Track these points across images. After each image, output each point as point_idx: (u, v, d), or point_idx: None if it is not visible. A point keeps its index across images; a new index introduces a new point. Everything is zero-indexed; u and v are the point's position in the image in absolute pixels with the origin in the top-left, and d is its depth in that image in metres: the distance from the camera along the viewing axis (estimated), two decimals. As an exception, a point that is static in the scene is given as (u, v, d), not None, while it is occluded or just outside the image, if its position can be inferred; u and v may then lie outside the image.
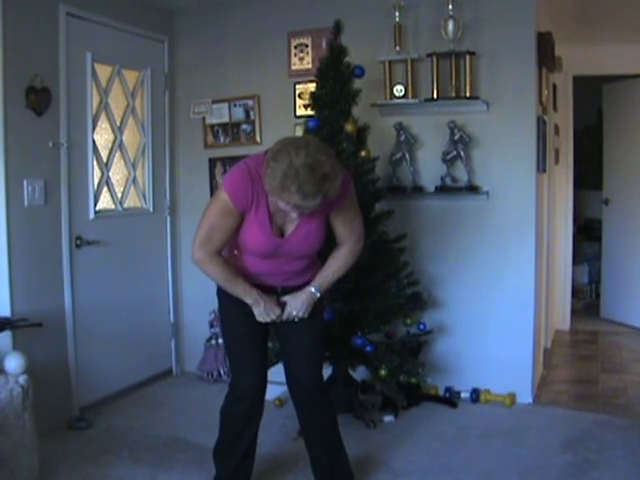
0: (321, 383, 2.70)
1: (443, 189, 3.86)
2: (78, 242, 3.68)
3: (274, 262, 2.47)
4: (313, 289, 2.51)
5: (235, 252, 2.52)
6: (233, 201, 2.31)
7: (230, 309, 2.58)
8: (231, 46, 4.31)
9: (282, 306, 2.52)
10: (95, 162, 3.83)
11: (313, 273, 2.57)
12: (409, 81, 3.82)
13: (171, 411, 3.84)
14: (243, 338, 2.59)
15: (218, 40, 4.34)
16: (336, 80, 3.40)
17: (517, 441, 3.35)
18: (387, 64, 3.86)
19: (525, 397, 3.89)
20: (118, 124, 4.02)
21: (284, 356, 2.72)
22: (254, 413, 2.63)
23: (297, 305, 2.51)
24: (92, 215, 3.80)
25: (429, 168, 3.93)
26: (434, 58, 3.74)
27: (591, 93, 5.97)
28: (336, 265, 2.53)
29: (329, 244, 2.55)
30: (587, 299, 6.69)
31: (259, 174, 2.24)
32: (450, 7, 3.66)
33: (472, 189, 3.81)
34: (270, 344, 2.79)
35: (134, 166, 4.16)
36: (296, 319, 2.52)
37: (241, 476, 2.68)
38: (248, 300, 2.46)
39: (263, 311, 2.48)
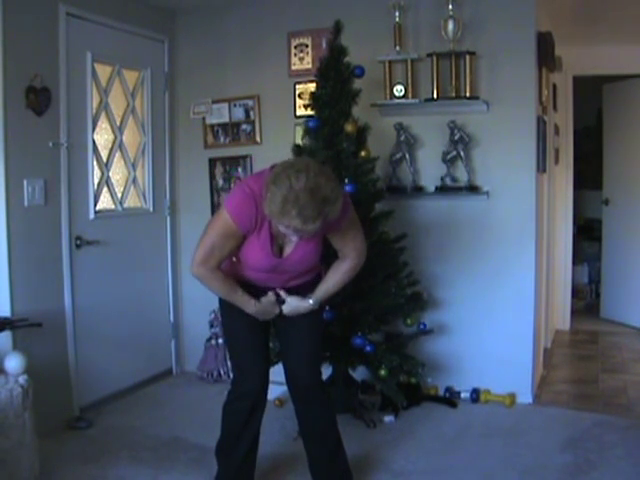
0: (319, 380, 2.71)
1: (443, 189, 3.86)
2: (78, 242, 3.68)
3: (273, 275, 2.51)
4: (312, 302, 2.56)
5: (234, 259, 2.53)
6: (237, 225, 2.31)
7: (231, 307, 2.58)
8: (231, 46, 4.31)
9: (281, 303, 2.56)
10: (95, 162, 3.83)
11: (313, 274, 2.60)
12: (409, 81, 3.82)
13: (171, 411, 3.84)
14: (245, 336, 2.62)
15: (218, 40, 4.34)
16: (336, 80, 3.40)
17: (517, 441, 3.35)
18: (387, 64, 3.86)
19: (525, 397, 3.89)
20: (118, 124, 4.02)
21: (283, 354, 2.73)
22: (256, 410, 2.64)
23: (293, 311, 2.57)
24: (92, 215, 3.80)
25: (429, 168, 3.93)
26: (434, 58, 3.74)
27: (591, 93, 5.96)
28: (336, 279, 2.56)
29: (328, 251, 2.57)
30: (587, 299, 6.69)
31: (262, 196, 2.19)
32: (450, 7, 3.66)
33: (472, 189, 3.81)
34: (270, 344, 2.80)
35: (134, 166, 4.16)
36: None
37: (244, 474, 2.68)
38: (248, 310, 2.52)
39: (262, 315, 2.55)
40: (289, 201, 2.06)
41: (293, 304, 2.55)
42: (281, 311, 2.56)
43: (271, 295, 2.53)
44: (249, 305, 2.51)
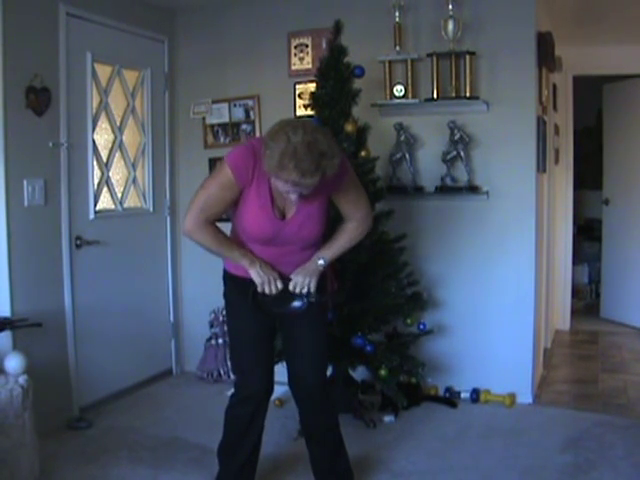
0: (324, 383, 2.69)
1: (443, 189, 3.86)
2: (78, 242, 3.68)
3: (277, 252, 2.45)
4: (318, 259, 2.49)
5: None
6: (234, 174, 2.31)
7: (237, 306, 2.58)
8: (231, 46, 4.31)
9: (287, 282, 2.47)
10: (95, 162, 3.83)
11: None
12: (409, 81, 3.82)
13: (171, 411, 3.84)
14: (250, 340, 2.58)
15: (218, 40, 4.34)
16: (336, 80, 3.40)
17: (517, 441, 3.35)
18: (387, 64, 3.86)
19: (525, 397, 3.89)
20: (118, 124, 4.02)
21: (287, 355, 2.70)
22: (258, 414, 2.63)
23: (303, 274, 2.47)
24: (92, 215, 3.80)
25: (429, 168, 3.93)
26: (434, 58, 3.74)
27: (591, 93, 5.97)
28: (342, 238, 2.54)
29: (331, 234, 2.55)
30: (587, 299, 6.69)
31: (261, 153, 2.22)
32: (450, 7, 3.66)
33: (472, 189, 3.81)
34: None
35: (134, 166, 4.16)
36: (303, 291, 2.47)
37: (245, 476, 2.68)
38: (244, 262, 2.43)
39: (260, 270, 2.42)
40: (287, 155, 2.10)
41: (301, 272, 2.46)
42: (285, 295, 2.46)
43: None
44: (245, 256, 2.42)
